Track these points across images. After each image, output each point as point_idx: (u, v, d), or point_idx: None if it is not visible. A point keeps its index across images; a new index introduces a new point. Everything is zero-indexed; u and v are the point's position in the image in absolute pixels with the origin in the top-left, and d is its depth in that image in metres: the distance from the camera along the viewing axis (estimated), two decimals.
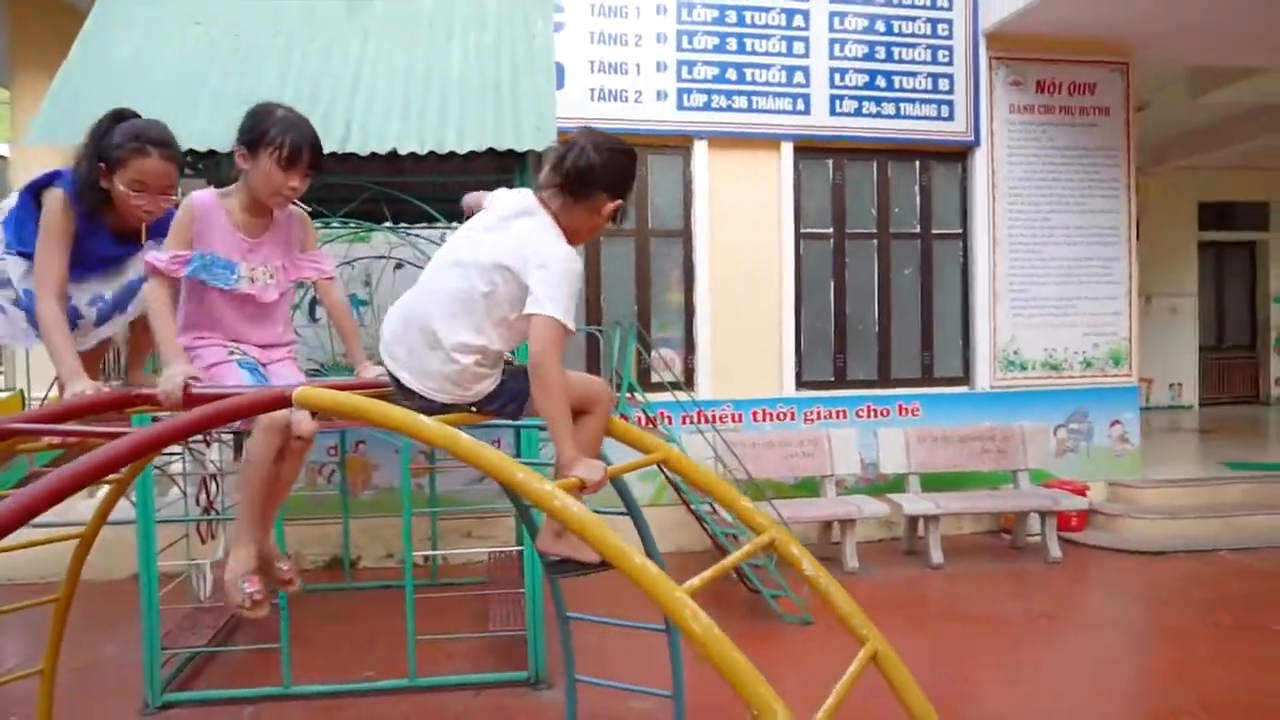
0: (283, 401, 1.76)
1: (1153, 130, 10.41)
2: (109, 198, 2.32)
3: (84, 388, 2.13)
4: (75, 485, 1.46)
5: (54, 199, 2.31)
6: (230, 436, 6.75)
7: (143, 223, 2.37)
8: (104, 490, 3.06)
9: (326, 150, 4.09)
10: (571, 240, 2.04)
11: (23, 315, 2.43)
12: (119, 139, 2.29)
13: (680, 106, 7.10)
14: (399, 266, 6.20)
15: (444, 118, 4.39)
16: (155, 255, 2.20)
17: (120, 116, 2.35)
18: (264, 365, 2.35)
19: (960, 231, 7.76)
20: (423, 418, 1.62)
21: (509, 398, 2.07)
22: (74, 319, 2.41)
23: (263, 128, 2.24)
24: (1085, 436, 7.79)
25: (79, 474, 1.47)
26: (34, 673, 3.17)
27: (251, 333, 2.35)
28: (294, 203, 2.40)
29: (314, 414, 2.07)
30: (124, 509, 5.14)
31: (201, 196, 2.27)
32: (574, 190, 2.02)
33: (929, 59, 7.48)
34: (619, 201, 2.07)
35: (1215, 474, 7.94)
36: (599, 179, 2.02)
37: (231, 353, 2.28)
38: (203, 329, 2.29)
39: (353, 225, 5.00)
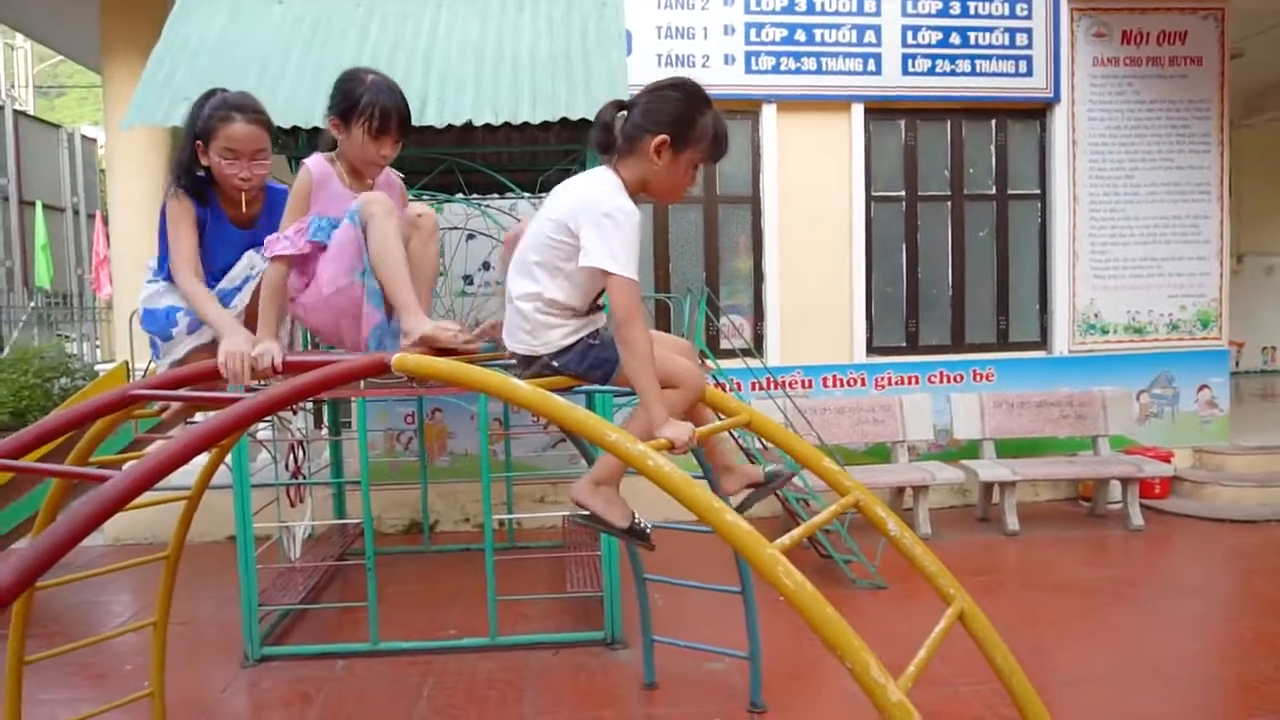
0: (382, 367, 1.84)
1: (1248, 80, 9.87)
2: (214, 182, 2.38)
3: (271, 347, 2.15)
4: (199, 447, 1.55)
5: (169, 202, 2.39)
6: (311, 405, 7.01)
7: (242, 194, 2.40)
8: (204, 455, 3.22)
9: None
10: (657, 195, 2.04)
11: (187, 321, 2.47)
12: (207, 112, 2.34)
13: (748, 70, 7.02)
14: (471, 237, 6.31)
15: (516, 88, 4.43)
16: (277, 244, 2.21)
17: (212, 95, 2.41)
18: None
19: (1038, 192, 7.53)
20: (516, 381, 1.67)
21: (594, 364, 2.09)
22: (168, 328, 2.44)
23: (353, 97, 2.26)
24: (1171, 402, 7.54)
25: (202, 436, 1.56)
26: (147, 624, 3.38)
27: None
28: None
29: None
30: (221, 475, 5.41)
31: (316, 161, 2.31)
32: (626, 139, 2.00)
33: (1007, 13, 7.22)
34: (674, 141, 1.97)
35: None
36: (643, 121, 1.98)
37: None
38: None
39: (427, 197, 5.11)
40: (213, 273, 2.42)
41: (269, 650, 4.53)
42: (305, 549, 5.95)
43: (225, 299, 2.38)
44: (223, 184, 2.40)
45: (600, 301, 2.14)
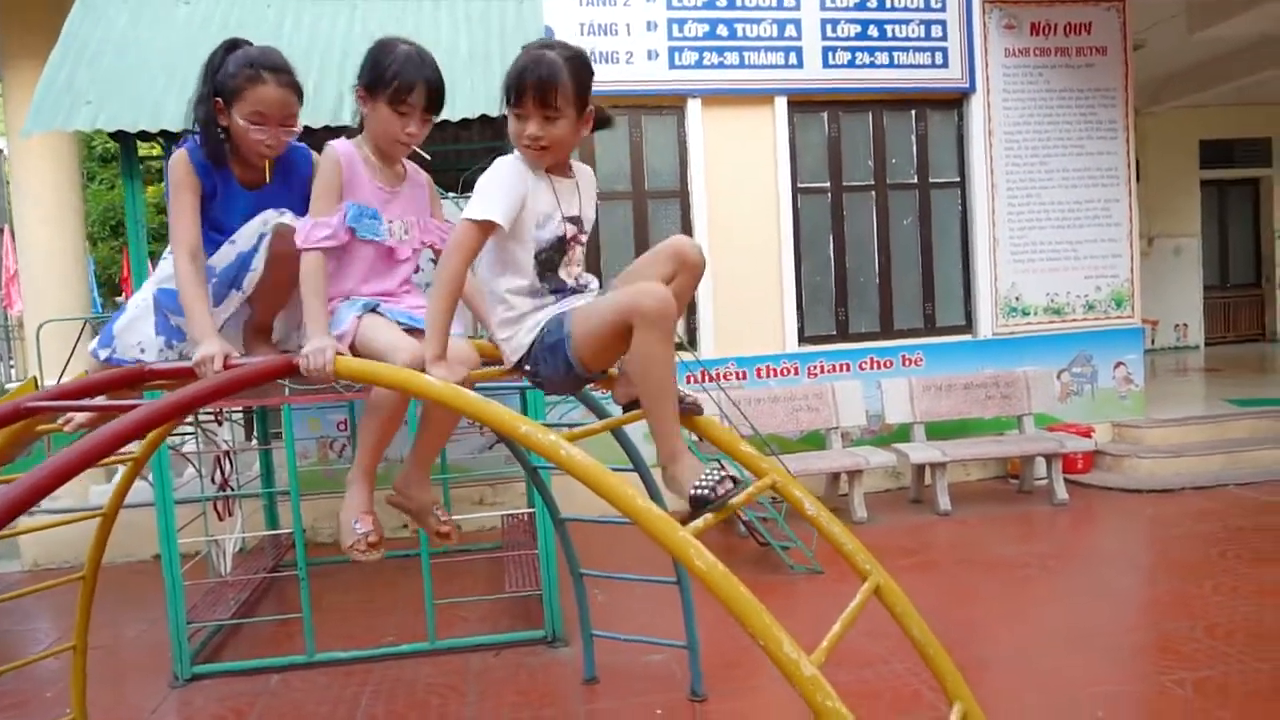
0: (291, 368, 1.81)
1: (1151, 69, 10.29)
2: (231, 143, 2.18)
3: (214, 349, 1.96)
4: (82, 463, 1.42)
5: (175, 159, 2.17)
6: (240, 415, 6.84)
7: (265, 160, 2.19)
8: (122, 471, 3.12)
9: (318, 124, 4.13)
10: (553, 152, 1.98)
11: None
12: (233, 68, 2.12)
13: (672, 65, 7.06)
14: None
15: None
16: (316, 230, 2.08)
17: (234, 46, 2.18)
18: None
19: (958, 180, 7.73)
20: (426, 376, 1.66)
21: (549, 350, 1.94)
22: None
23: (381, 68, 2.11)
24: (1089, 379, 7.82)
25: (86, 452, 1.45)
26: (66, 648, 3.26)
27: (375, 287, 2.21)
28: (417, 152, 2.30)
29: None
30: (143, 492, 5.24)
31: (344, 146, 2.17)
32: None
33: (922, 5, 7.39)
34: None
35: (1220, 411, 7.97)
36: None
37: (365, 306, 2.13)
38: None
39: None
40: (216, 239, 2.21)
41: (200, 669, 4.41)
42: (236, 563, 5.81)
43: (245, 261, 2.15)
44: (245, 149, 2.18)
45: (570, 283, 2.03)
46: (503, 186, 1.90)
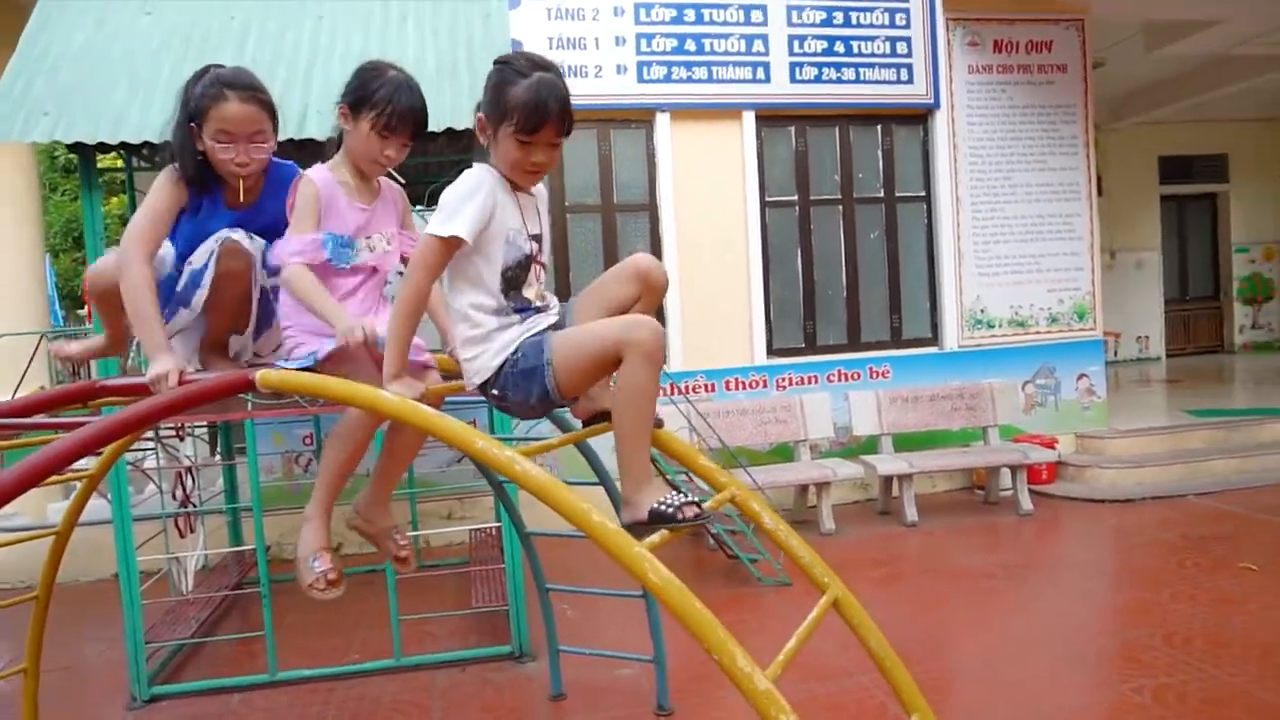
0: (246, 384, 1.79)
1: (1111, 86, 10.52)
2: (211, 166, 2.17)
3: (168, 365, 1.94)
4: (20, 485, 1.39)
5: (164, 173, 2.17)
6: (205, 430, 6.74)
7: (239, 179, 2.19)
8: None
9: (282, 137, 4.09)
10: (512, 178, 1.94)
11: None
12: (199, 90, 2.14)
13: (641, 79, 7.10)
14: None
15: None
16: (290, 248, 2.08)
17: (205, 72, 2.19)
18: None
19: (924, 194, 7.83)
20: (381, 391, 1.65)
21: (522, 376, 1.88)
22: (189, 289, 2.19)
23: (368, 89, 2.13)
24: (1053, 391, 7.93)
25: (26, 472, 1.42)
26: (17, 671, 3.19)
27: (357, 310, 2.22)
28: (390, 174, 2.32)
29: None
30: (103, 509, 5.14)
31: (320, 174, 2.18)
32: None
33: (886, 22, 7.50)
34: (489, 118, 1.89)
35: (1179, 422, 8.12)
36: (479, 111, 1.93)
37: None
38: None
39: None
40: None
41: (159, 689, 4.32)
42: (199, 580, 5.72)
43: (195, 279, 2.13)
44: (219, 169, 2.17)
45: (535, 303, 1.97)
46: (471, 201, 1.83)
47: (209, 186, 2.19)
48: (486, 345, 1.89)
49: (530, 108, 1.82)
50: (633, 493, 1.74)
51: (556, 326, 1.93)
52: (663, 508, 1.68)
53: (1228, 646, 4.11)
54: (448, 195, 1.85)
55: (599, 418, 1.96)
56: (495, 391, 1.90)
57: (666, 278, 1.96)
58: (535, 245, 1.99)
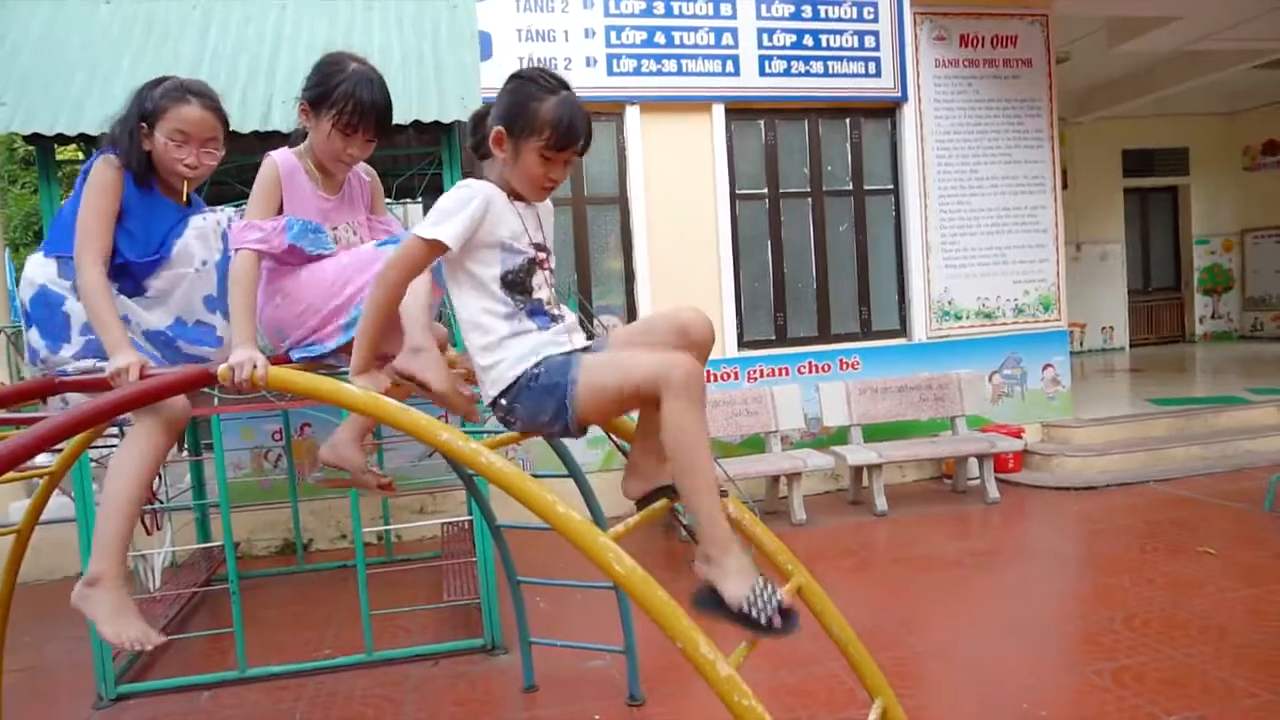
0: (208, 378, 1.78)
1: (1075, 81, 10.67)
2: (153, 168, 2.18)
3: (129, 360, 1.92)
4: None
5: (103, 161, 2.13)
6: None
7: (185, 181, 2.20)
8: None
9: (245, 129, 4.05)
10: (521, 192, 1.92)
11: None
12: (159, 93, 2.16)
13: (610, 73, 7.09)
14: None
15: None
16: (248, 232, 2.04)
17: (164, 79, 2.23)
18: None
19: (891, 187, 7.90)
20: (345, 384, 1.65)
21: (543, 392, 1.82)
22: (62, 333, 2.15)
23: (329, 85, 2.10)
24: (1019, 381, 8.05)
25: None
26: None
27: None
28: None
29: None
30: (66, 507, 5.06)
31: (284, 156, 2.15)
32: (481, 139, 1.94)
33: (855, 16, 7.55)
34: (510, 131, 1.86)
35: (1142, 410, 8.28)
36: (491, 117, 1.91)
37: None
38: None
39: None
40: (145, 245, 2.17)
41: (125, 688, 4.28)
42: (166, 577, 5.66)
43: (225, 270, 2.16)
44: (166, 169, 2.18)
45: (551, 310, 1.92)
46: (465, 209, 1.80)
47: (146, 179, 2.20)
48: (503, 353, 1.83)
49: (564, 125, 1.85)
50: (714, 551, 1.63)
51: (588, 351, 1.89)
52: (754, 614, 1.56)
53: (1184, 628, 4.21)
54: (445, 200, 1.84)
55: (652, 497, 1.86)
56: (504, 402, 1.85)
57: (712, 335, 1.85)
58: (539, 252, 1.94)
